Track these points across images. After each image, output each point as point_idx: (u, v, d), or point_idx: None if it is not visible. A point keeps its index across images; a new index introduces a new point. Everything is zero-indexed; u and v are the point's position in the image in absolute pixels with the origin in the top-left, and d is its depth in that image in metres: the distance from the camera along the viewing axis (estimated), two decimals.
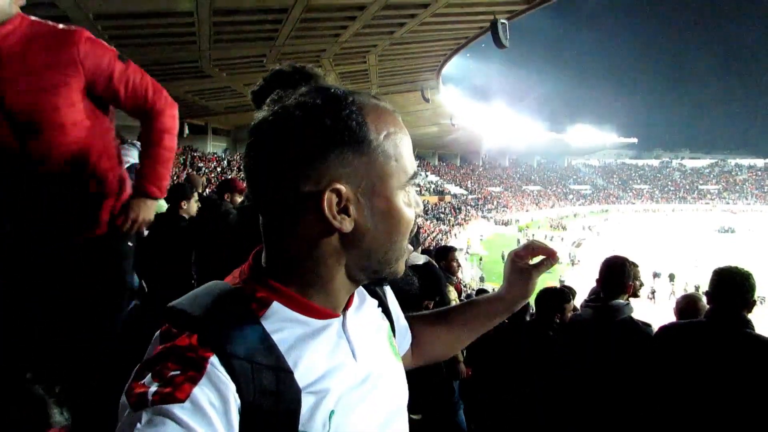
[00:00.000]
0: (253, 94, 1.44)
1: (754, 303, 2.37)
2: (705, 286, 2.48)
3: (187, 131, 33.17)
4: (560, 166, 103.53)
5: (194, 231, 4.01)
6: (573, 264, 38.90)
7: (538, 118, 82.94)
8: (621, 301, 2.82)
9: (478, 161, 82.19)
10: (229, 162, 35.12)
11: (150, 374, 0.58)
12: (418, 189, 54.38)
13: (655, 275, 33.60)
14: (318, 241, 0.70)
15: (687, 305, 3.47)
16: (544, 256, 1.03)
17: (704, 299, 3.30)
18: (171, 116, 1.99)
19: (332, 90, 0.70)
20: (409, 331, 1.06)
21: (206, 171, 29.90)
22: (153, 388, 0.56)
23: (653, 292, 29.35)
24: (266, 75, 1.42)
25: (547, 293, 3.46)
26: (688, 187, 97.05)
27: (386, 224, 0.71)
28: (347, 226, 0.68)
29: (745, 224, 62.01)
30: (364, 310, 0.85)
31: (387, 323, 0.91)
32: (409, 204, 0.73)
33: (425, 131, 47.38)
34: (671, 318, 3.40)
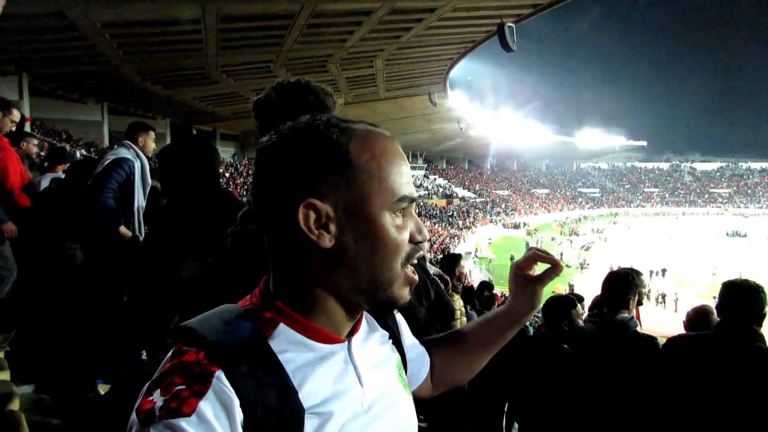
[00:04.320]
0: (259, 104, 1.44)
1: (764, 316, 2.31)
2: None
3: None
4: (569, 170, 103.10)
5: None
6: (582, 268, 38.68)
7: (547, 122, 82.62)
8: (625, 315, 2.75)
9: (485, 165, 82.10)
10: (237, 167, 35.30)
11: (158, 390, 0.60)
12: (426, 192, 54.38)
13: (651, 273, 33.56)
14: (305, 259, 0.71)
15: (697, 318, 3.40)
16: (547, 266, 0.98)
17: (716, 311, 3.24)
18: None
19: (324, 117, 0.73)
20: (427, 357, 1.04)
21: None
22: (160, 403, 0.58)
23: (663, 296, 29.03)
24: (271, 89, 1.43)
25: (552, 302, 3.39)
26: (698, 190, 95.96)
27: (369, 244, 0.70)
28: (326, 242, 0.69)
29: (756, 229, 61.12)
30: (372, 339, 0.84)
31: (397, 356, 0.90)
32: (400, 227, 0.72)
33: (433, 135, 47.44)
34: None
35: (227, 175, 32.16)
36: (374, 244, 0.70)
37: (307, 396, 0.66)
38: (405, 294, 0.74)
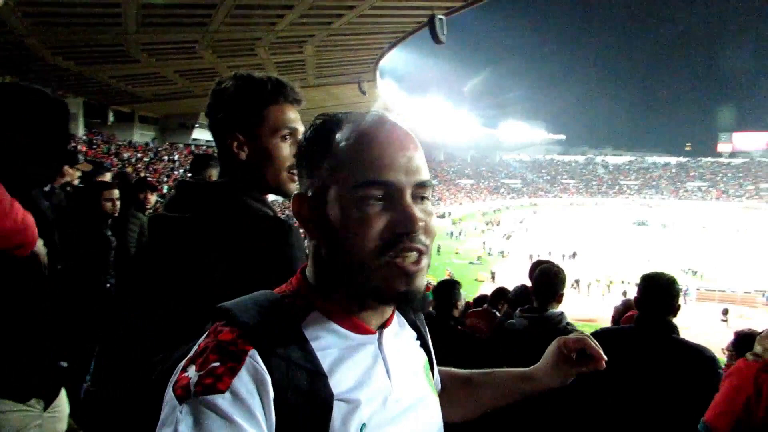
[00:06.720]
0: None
1: (678, 308, 2.48)
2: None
3: (111, 119, 31.42)
4: (492, 161, 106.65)
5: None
6: (503, 256, 40.30)
7: (473, 114, 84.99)
8: (555, 310, 2.83)
9: None
10: (157, 151, 33.51)
11: (193, 366, 0.62)
12: None
13: (564, 256, 36.86)
14: (313, 249, 0.75)
15: (625, 310, 3.61)
16: (591, 355, 0.97)
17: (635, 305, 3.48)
18: None
19: (335, 114, 0.76)
20: (439, 382, 1.04)
21: (133, 161, 28.44)
22: (195, 379, 0.60)
23: (577, 282, 30.77)
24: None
25: (442, 285, 3.70)
26: (610, 182, 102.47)
27: (336, 231, 0.69)
28: (312, 231, 0.73)
29: (658, 218, 67.19)
30: (403, 335, 0.85)
31: (425, 356, 0.90)
32: (363, 216, 0.67)
33: None
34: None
35: (146, 160, 30.47)
36: (339, 232, 0.69)
37: (337, 383, 0.67)
38: (399, 287, 0.69)
